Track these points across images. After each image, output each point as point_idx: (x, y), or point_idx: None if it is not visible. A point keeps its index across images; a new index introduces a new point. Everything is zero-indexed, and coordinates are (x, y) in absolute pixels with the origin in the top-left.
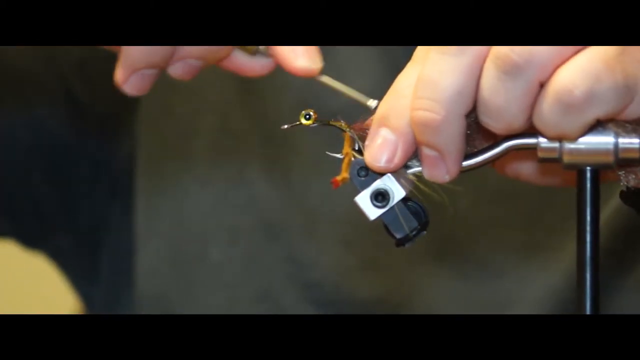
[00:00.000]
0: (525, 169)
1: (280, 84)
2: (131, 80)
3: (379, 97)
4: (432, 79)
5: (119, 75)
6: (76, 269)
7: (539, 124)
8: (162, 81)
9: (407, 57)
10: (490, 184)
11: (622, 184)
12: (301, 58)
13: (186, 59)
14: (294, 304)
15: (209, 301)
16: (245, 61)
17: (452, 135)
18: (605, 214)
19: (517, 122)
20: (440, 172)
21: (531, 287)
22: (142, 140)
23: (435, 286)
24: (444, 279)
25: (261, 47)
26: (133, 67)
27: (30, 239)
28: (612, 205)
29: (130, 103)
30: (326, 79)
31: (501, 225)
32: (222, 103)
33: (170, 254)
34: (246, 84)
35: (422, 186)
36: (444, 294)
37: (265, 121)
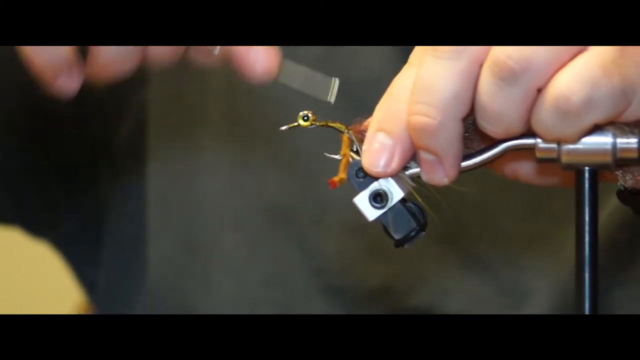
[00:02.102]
0: (524, 169)
1: None
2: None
3: (389, 79)
4: (428, 84)
5: (90, 70)
6: (80, 255)
7: (537, 128)
8: (168, 69)
9: None
10: (495, 174)
11: (619, 184)
12: (260, 66)
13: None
14: (301, 291)
15: (216, 287)
16: (204, 57)
17: (450, 139)
18: (612, 206)
19: (515, 126)
20: (438, 175)
21: (538, 276)
22: (151, 128)
23: (442, 274)
24: (451, 267)
25: (216, 51)
26: (104, 70)
27: (36, 226)
28: (615, 200)
29: (133, 88)
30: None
31: (508, 214)
32: (229, 89)
33: (179, 241)
34: None
35: (418, 189)
36: (451, 282)
37: (272, 107)
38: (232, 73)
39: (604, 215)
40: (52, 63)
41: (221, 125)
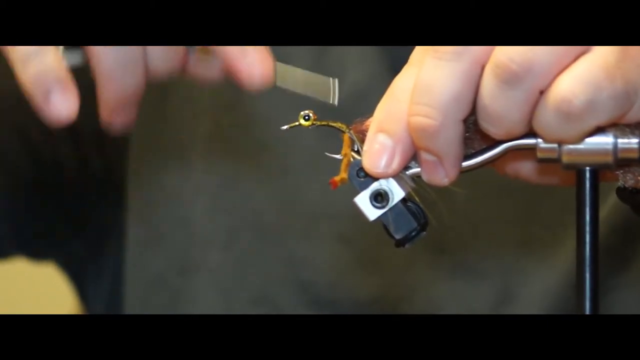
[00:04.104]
0: (525, 169)
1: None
2: (117, 118)
3: (378, 94)
4: (429, 85)
5: (104, 115)
6: (85, 277)
7: (539, 130)
8: (155, 87)
9: (405, 49)
10: (487, 179)
11: (620, 184)
12: (257, 74)
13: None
14: (291, 304)
15: (205, 305)
16: (203, 70)
17: (450, 140)
18: (604, 210)
19: (517, 128)
20: (439, 175)
21: (529, 283)
22: (136, 147)
23: (433, 283)
24: (442, 276)
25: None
26: (113, 105)
27: (39, 253)
28: (611, 202)
29: None
30: (281, 80)
31: (499, 220)
32: (215, 103)
33: (167, 257)
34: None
35: (419, 191)
36: (442, 291)
37: (259, 123)
38: (216, 91)
39: (601, 217)
40: (42, 76)
41: (208, 143)
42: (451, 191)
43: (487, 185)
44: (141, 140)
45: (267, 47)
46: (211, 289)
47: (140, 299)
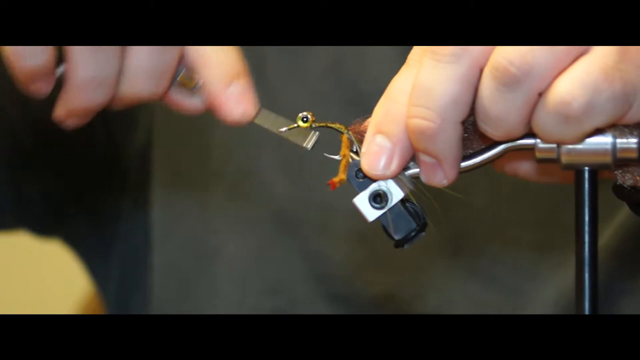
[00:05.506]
0: (524, 168)
1: (296, 77)
2: (70, 120)
3: None
4: (427, 87)
5: (59, 113)
6: (93, 256)
7: (537, 131)
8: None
9: None
10: (505, 183)
11: (618, 183)
12: (236, 110)
13: (123, 100)
14: (306, 296)
15: (221, 294)
16: (184, 99)
17: (449, 142)
18: (620, 217)
19: (516, 130)
20: (438, 177)
21: (544, 287)
22: (157, 135)
23: (448, 284)
24: (457, 276)
25: (198, 86)
26: (71, 111)
27: (43, 229)
28: (627, 209)
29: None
30: (262, 120)
31: (515, 224)
32: None
33: (185, 247)
34: (261, 77)
35: (420, 194)
36: (456, 291)
37: (282, 112)
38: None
39: (614, 224)
40: (32, 70)
41: (228, 131)
42: (470, 194)
43: (506, 189)
44: (162, 129)
45: (251, 84)
46: (227, 278)
47: (155, 282)
